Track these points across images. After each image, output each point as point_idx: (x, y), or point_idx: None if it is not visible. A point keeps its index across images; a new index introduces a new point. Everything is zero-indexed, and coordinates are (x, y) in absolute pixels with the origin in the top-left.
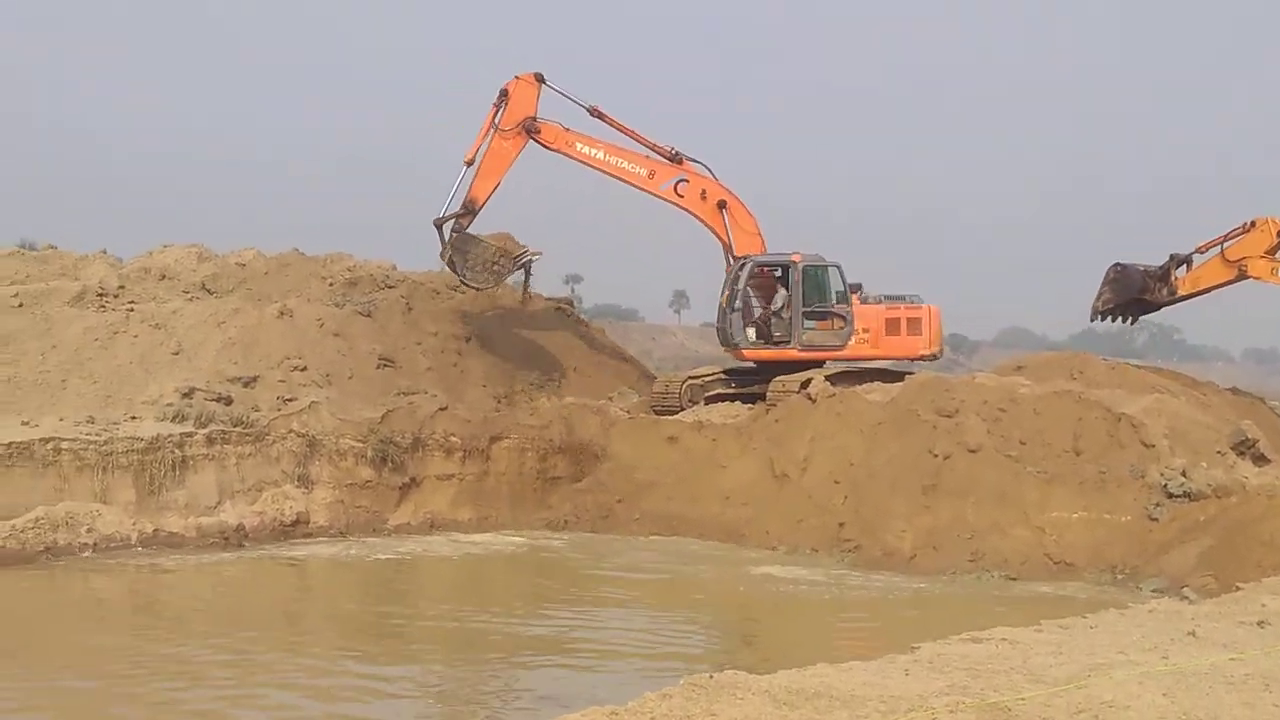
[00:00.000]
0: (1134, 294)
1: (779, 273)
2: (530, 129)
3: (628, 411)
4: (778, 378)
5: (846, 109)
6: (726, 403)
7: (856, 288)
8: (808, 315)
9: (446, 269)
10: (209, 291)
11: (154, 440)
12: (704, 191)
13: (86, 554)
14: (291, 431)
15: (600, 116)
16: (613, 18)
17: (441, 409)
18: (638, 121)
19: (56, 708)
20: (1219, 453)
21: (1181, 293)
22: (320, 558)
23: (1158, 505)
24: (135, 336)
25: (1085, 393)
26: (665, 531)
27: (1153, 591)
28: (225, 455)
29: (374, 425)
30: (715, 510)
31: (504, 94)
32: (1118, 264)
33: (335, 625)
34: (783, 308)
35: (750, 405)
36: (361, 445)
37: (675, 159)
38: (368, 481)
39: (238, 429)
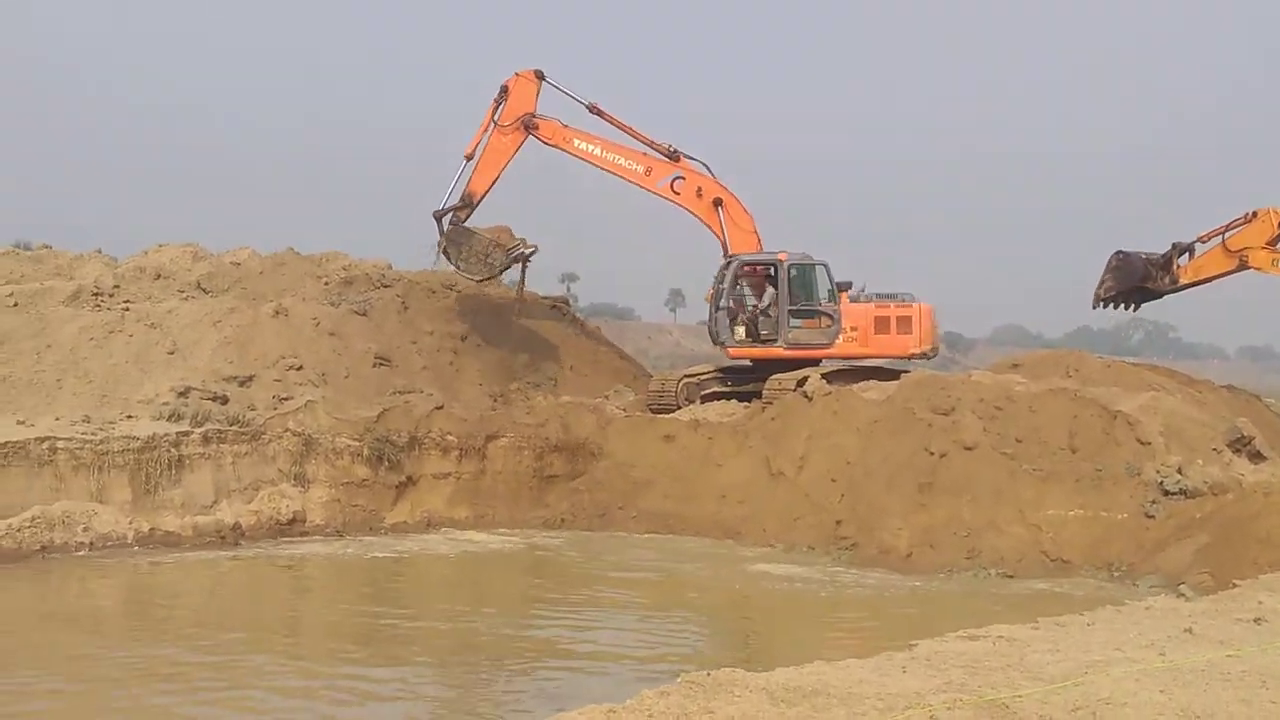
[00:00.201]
0: (1136, 282)
1: (767, 271)
2: (529, 125)
3: (624, 410)
4: (774, 376)
5: None
6: (723, 401)
7: (846, 286)
8: (794, 314)
9: (441, 268)
10: (204, 291)
11: (150, 439)
12: (700, 189)
13: (83, 553)
14: (287, 430)
15: (599, 113)
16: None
17: (437, 408)
18: (648, 117)
19: (39, 713)
20: (1215, 450)
21: (1183, 281)
22: (317, 557)
23: (1154, 503)
24: (131, 336)
25: (1081, 390)
26: (662, 530)
27: (1150, 589)
28: (221, 454)
29: (370, 424)
30: (712, 508)
31: (504, 90)
32: (1120, 251)
33: (330, 626)
34: (770, 306)
35: (746, 403)
36: (358, 444)
37: (673, 156)
38: (364, 480)
39: (234, 428)
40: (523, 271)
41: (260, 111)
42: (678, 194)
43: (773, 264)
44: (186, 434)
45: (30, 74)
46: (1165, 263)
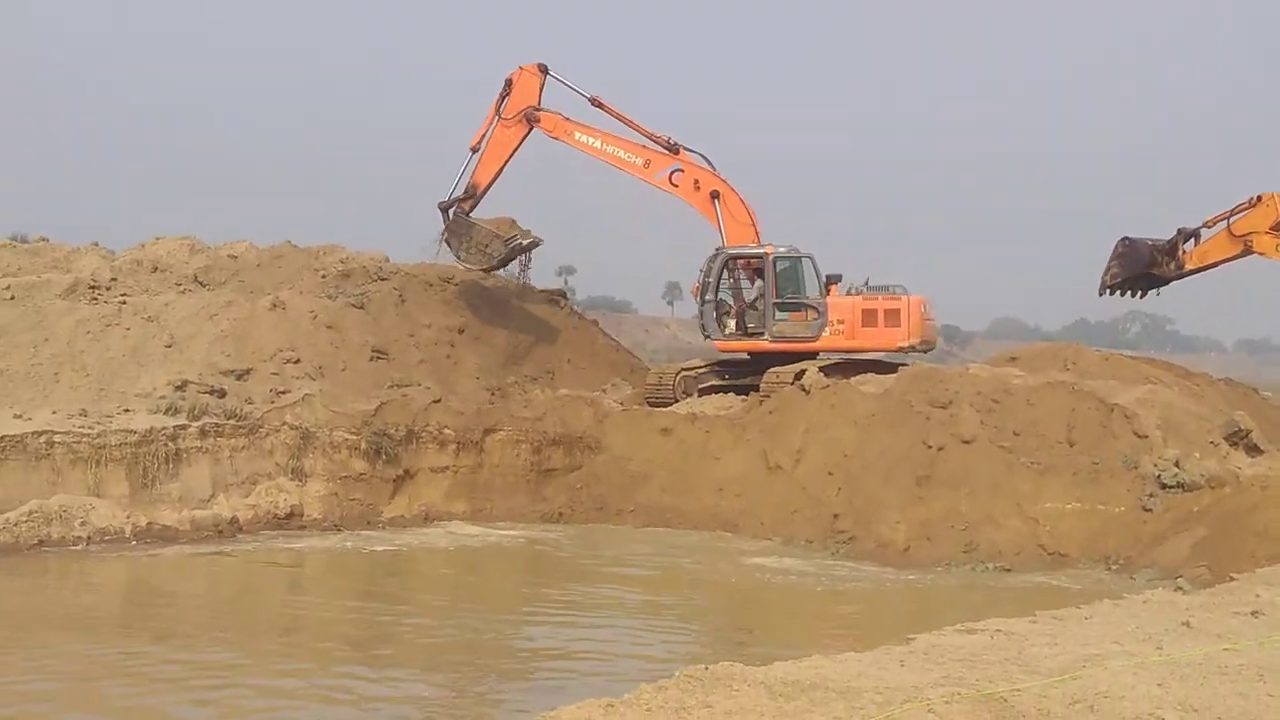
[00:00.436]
0: (1142, 268)
1: (754, 264)
2: (531, 118)
3: (621, 403)
4: (771, 369)
5: None
6: (720, 394)
7: (836, 279)
8: (780, 307)
9: (443, 259)
10: (201, 284)
11: (147, 433)
12: (697, 181)
13: (80, 547)
14: (285, 424)
15: (600, 106)
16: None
17: (435, 401)
18: (648, 117)
19: (28, 715)
20: (1212, 443)
21: (1189, 267)
22: (315, 551)
23: (1151, 496)
24: (128, 329)
25: (1078, 384)
26: (659, 523)
27: (1147, 582)
28: (218, 448)
29: (367, 418)
30: (709, 502)
31: (508, 83)
32: (1126, 238)
33: (326, 624)
34: (757, 299)
35: (744, 397)
36: (355, 438)
37: (672, 149)
38: (361, 474)
39: (231, 422)
40: (525, 263)
41: (260, 111)
42: (676, 186)
43: (759, 257)
44: (184, 428)
45: (30, 74)
46: (1171, 249)
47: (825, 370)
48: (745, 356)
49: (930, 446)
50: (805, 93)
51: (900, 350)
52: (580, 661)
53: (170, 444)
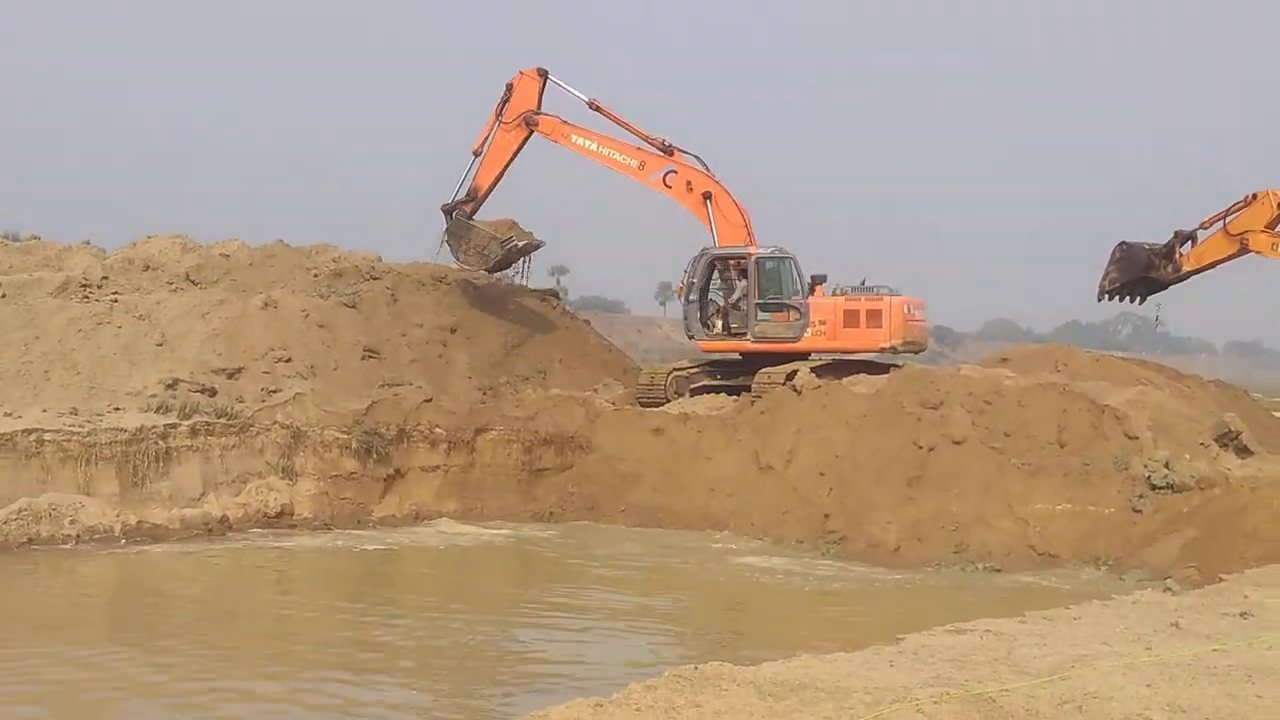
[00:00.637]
0: (1140, 272)
1: (737, 265)
2: (530, 122)
3: (613, 403)
4: (763, 369)
5: None
6: (712, 394)
7: (821, 279)
8: (762, 307)
9: (431, 260)
10: (193, 283)
11: (137, 432)
12: (689, 183)
13: (69, 545)
14: (276, 423)
15: (598, 109)
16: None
17: (426, 401)
18: (648, 117)
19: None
20: (1202, 445)
21: (1186, 269)
22: (305, 550)
23: (1141, 497)
24: (119, 328)
25: (1069, 385)
26: (650, 523)
27: (1136, 583)
28: (209, 447)
29: (359, 417)
30: (700, 502)
31: (509, 88)
32: (1123, 242)
33: (315, 627)
34: (740, 300)
35: (735, 397)
36: (346, 437)
37: (666, 150)
38: (352, 473)
39: (222, 420)
40: (525, 263)
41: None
42: (669, 188)
43: (743, 257)
44: (174, 426)
45: (31, 78)
46: (1168, 251)
47: (817, 371)
48: (737, 357)
49: (921, 447)
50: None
51: (882, 351)
52: (569, 663)
53: (161, 442)
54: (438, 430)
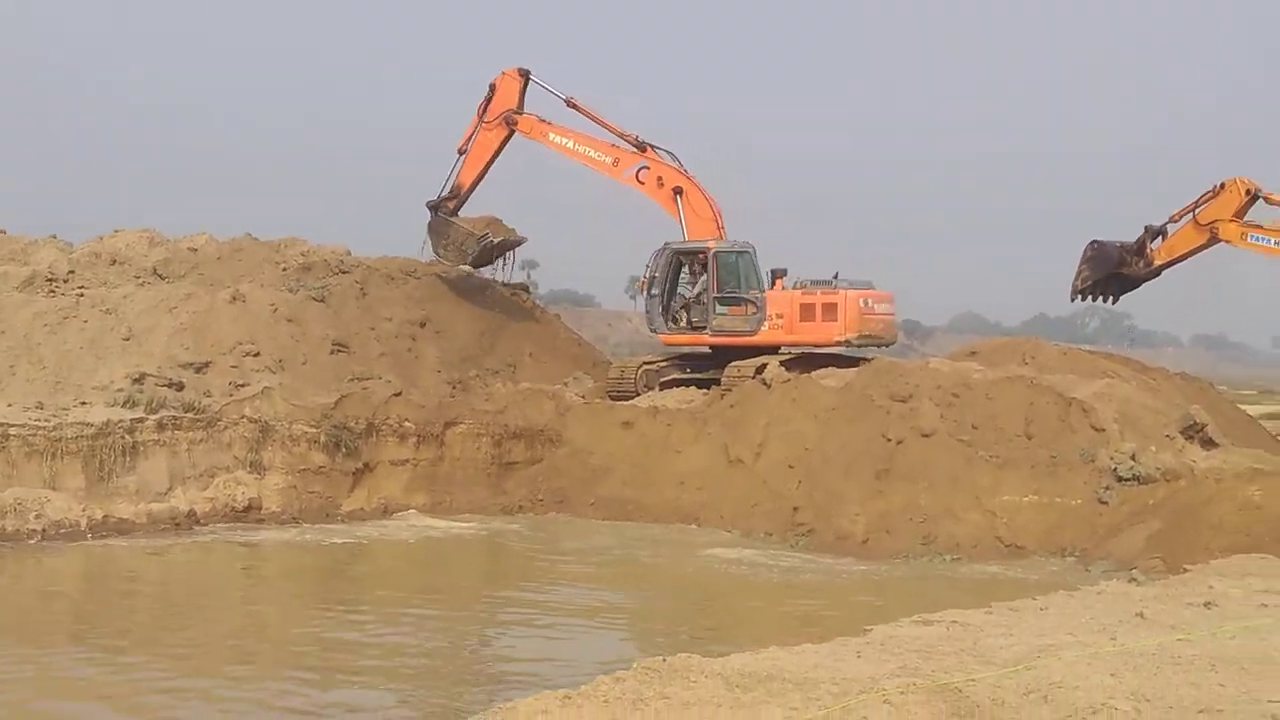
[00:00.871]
0: (1112, 268)
1: (698, 259)
2: (510, 121)
3: (583, 397)
4: (733, 363)
5: None
6: (682, 388)
7: (781, 273)
8: (721, 301)
9: (402, 255)
10: (160, 277)
11: (104, 426)
12: (661, 178)
13: (35, 540)
14: (244, 417)
15: (575, 107)
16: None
17: (396, 394)
18: (648, 117)
19: None
20: (1168, 437)
21: (1158, 263)
22: (273, 543)
23: (1107, 489)
24: (85, 322)
25: (1037, 378)
26: (620, 516)
27: (1102, 574)
28: (176, 441)
29: (327, 411)
30: (670, 495)
31: (492, 88)
32: (1095, 241)
33: (280, 628)
34: (701, 293)
35: (705, 390)
36: (315, 431)
37: (640, 147)
38: (321, 467)
39: (189, 415)
40: (508, 260)
41: (260, 111)
42: (642, 184)
43: (702, 251)
44: (141, 421)
45: (30, 74)
46: (1139, 247)
47: (787, 364)
48: (706, 350)
49: (890, 440)
50: (805, 93)
51: (836, 344)
52: (537, 660)
53: (127, 437)
54: (407, 424)
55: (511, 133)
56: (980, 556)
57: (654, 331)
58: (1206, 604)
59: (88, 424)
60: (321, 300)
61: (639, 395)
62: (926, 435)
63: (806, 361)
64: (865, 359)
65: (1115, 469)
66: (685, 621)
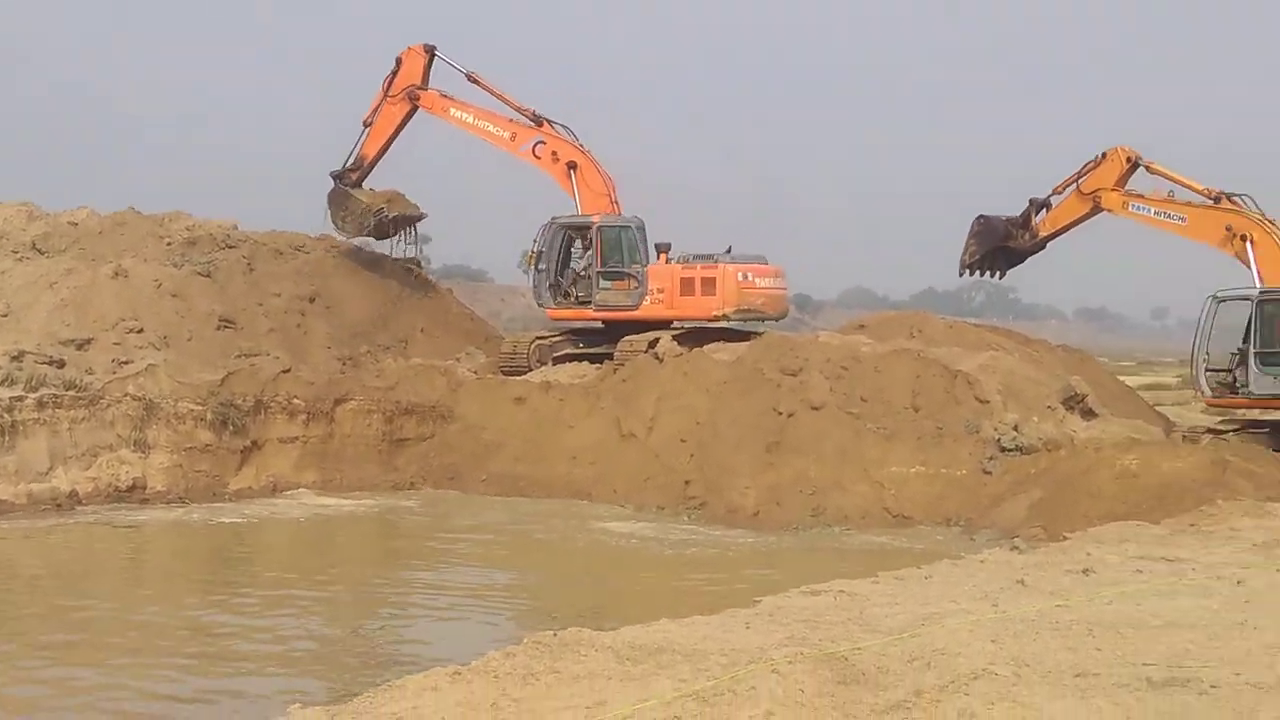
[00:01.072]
0: (998, 241)
1: (583, 233)
2: (412, 96)
3: (475, 372)
4: (625, 337)
5: None
6: (574, 363)
7: (665, 247)
8: (604, 275)
9: (290, 229)
10: (40, 251)
11: None
12: (555, 153)
13: None
14: (127, 395)
15: (476, 82)
16: None
17: (284, 371)
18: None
19: None
20: (1049, 408)
21: (1043, 234)
22: (157, 523)
23: (991, 459)
24: None
25: (924, 351)
26: (513, 492)
27: (986, 542)
28: (57, 420)
29: (214, 388)
30: (563, 470)
31: (398, 62)
32: (981, 216)
33: (159, 614)
34: (586, 268)
35: (598, 365)
36: (201, 408)
37: (536, 121)
38: (207, 445)
39: (70, 393)
40: (409, 234)
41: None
42: (538, 158)
43: (586, 226)
44: (20, 399)
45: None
46: (1024, 220)
47: (680, 339)
48: (599, 325)
49: (781, 413)
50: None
51: (714, 319)
52: (429, 629)
53: (6, 416)
54: (296, 401)
55: (415, 108)
56: (868, 527)
57: (541, 305)
58: (1085, 570)
59: None
60: (207, 275)
61: (531, 370)
62: (816, 408)
63: (699, 336)
64: (756, 333)
65: (999, 439)
66: (577, 597)
